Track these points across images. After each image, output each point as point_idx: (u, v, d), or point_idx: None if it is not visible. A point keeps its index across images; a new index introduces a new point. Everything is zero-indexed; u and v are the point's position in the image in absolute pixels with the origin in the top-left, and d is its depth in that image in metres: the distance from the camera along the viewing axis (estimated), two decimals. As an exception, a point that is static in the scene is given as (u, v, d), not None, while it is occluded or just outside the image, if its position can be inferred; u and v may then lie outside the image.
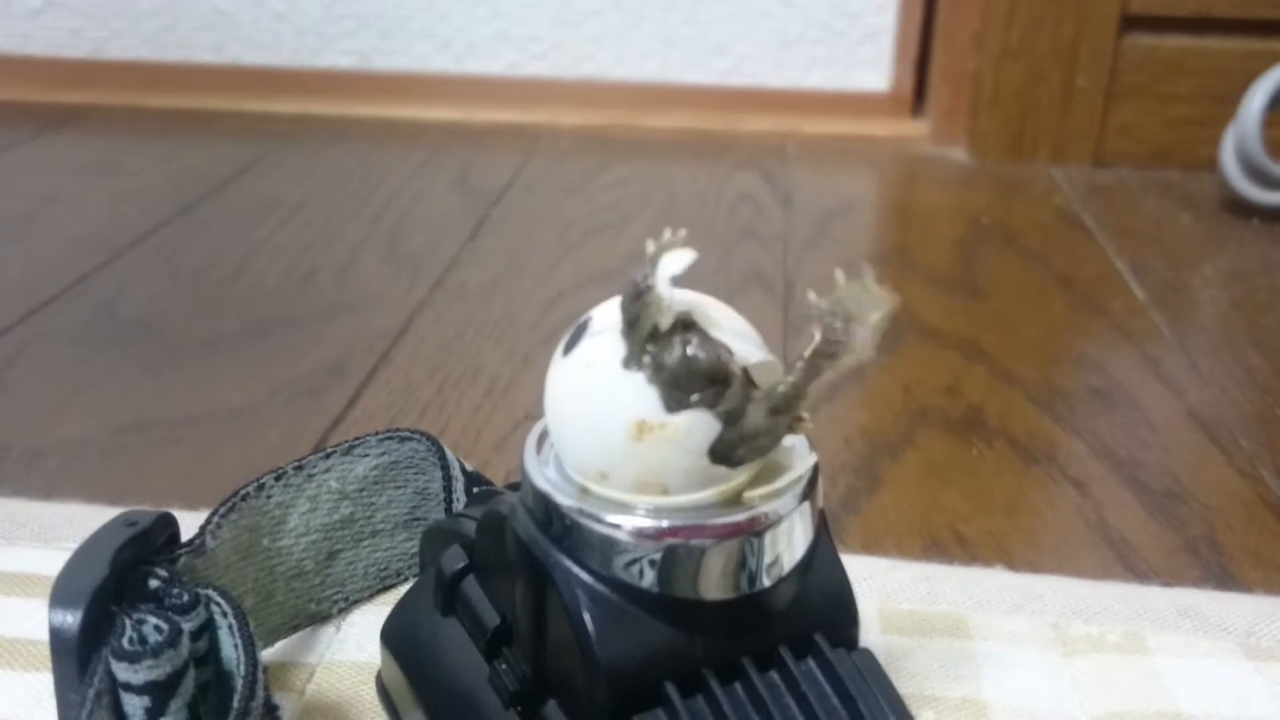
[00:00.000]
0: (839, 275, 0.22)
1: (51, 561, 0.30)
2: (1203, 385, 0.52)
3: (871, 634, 0.33)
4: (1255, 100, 0.71)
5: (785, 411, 0.22)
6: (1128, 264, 0.66)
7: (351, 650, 0.32)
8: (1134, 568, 0.39)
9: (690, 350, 0.21)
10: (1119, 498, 0.44)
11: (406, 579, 0.34)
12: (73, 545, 0.26)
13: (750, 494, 0.23)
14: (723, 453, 0.22)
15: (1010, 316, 0.60)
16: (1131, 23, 0.80)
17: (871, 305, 0.22)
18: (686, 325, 0.21)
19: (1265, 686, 0.31)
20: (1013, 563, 0.39)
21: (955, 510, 0.43)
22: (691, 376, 0.21)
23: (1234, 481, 0.45)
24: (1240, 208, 0.74)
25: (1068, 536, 0.41)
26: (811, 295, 0.22)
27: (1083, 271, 0.66)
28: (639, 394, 0.21)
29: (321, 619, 0.33)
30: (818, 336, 0.22)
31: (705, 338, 0.21)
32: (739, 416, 0.21)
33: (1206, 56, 0.80)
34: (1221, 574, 0.39)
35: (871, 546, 0.40)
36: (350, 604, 0.34)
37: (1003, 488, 0.44)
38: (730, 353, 0.21)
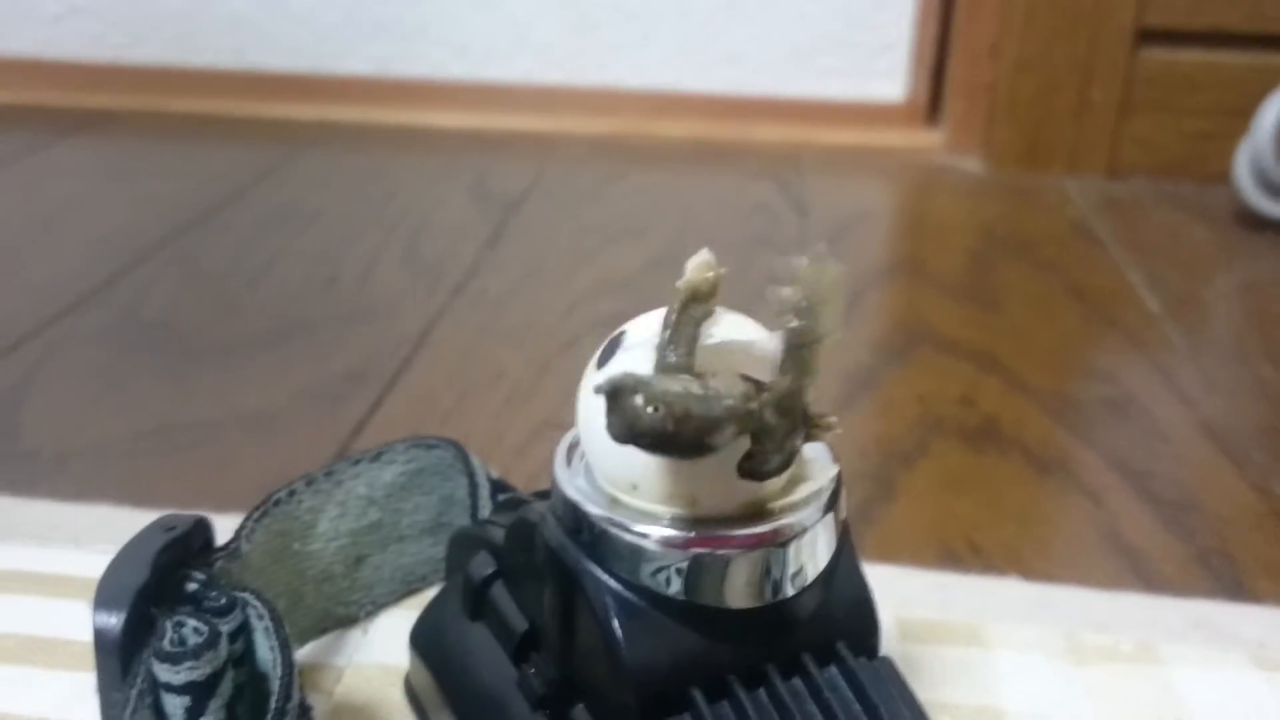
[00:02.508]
0: (802, 261, 0.22)
1: (86, 563, 0.31)
2: (1215, 397, 0.53)
3: (889, 642, 0.34)
4: (1270, 114, 0.72)
5: (792, 411, 0.22)
6: (1141, 276, 0.67)
7: (379, 653, 0.33)
8: (1146, 578, 0.40)
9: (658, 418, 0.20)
10: (1132, 509, 0.44)
11: (432, 584, 0.35)
12: (105, 547, 0.26)
13: (775, 505, 0.23)
14: (750, 468, 0.22)
15: (1024, 327, 0.60)
16: (1146, 36, 0.80)
17: (830, 285, 0.22)
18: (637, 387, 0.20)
19: (1275, 696, 0.32)
20: (1027, 572, 0.40)
21: (970, 520, 0.43)
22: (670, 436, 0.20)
23: (1246, 493, 0.45)
24: (1254, 221, 0.75)
25: (1081, 547, 0.42)
26: (780, 290, 0.22)
27: (1096, 283, 0.66)
28: (669, 407, 0.22)
29: (349, 622, 0.34)
30: (785, 330, 0.22)
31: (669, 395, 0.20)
32: (758, 427, 0.22)
33: (1221, 70, 0.80)
34: (1233, 585, 0.39)
35: (887, 555, 0.41)
36: (377, 607, 0.35)
37: (1016, 498, 0.45)
38: (712, 393, 0.21)
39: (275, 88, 0.96)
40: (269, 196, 0.78)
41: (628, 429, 0.20)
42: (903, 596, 0.37)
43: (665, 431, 0.20)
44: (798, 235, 0.72)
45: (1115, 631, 0.35)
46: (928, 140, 0.90)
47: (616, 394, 0.20)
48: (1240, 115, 0.75)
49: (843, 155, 0.89)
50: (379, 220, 0.74)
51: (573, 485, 0.24)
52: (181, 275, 0.65)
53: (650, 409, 0.20)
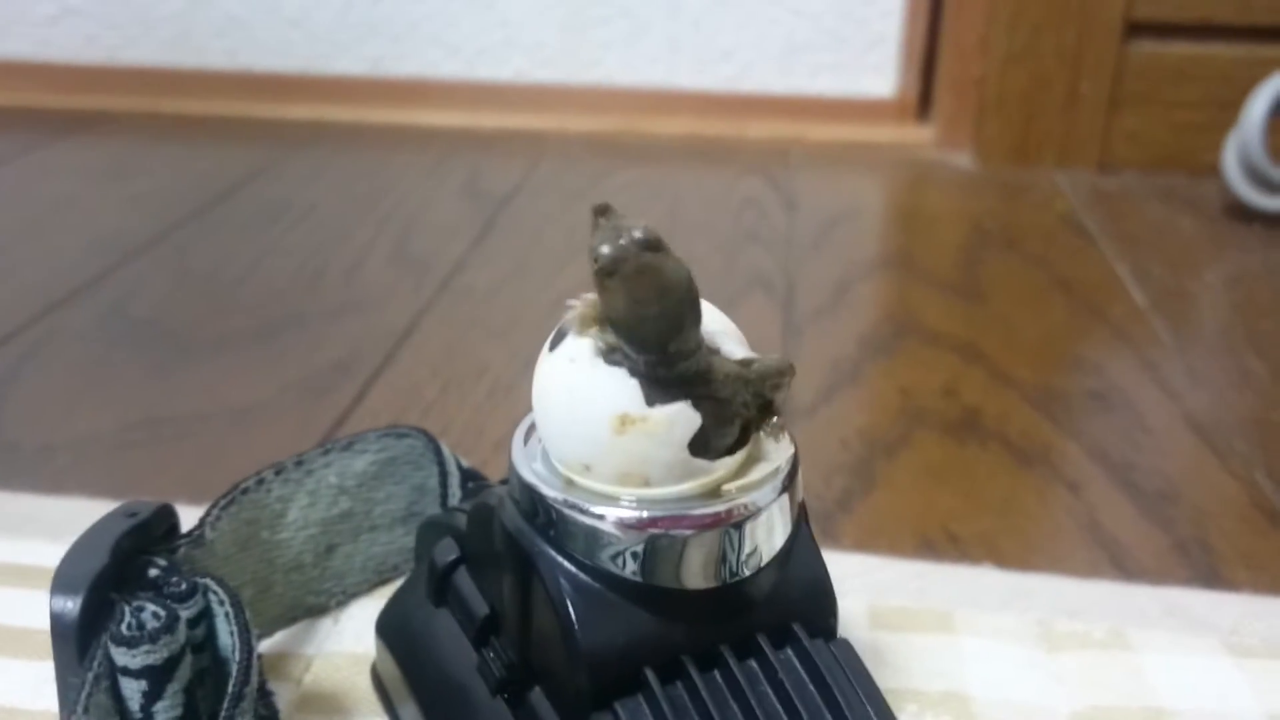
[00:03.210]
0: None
1: (59, 555, 0.31)
2: (1199, 389, 0.53)
3: (860, 629, 0.34)
4: (1257, 106, 0.71)
5: (752, 388, 0.22)
6: (1129, 269, 0.67)
7: (349, 642, 0.33)
8: (1123, 567, 0.40)
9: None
10: (1112, 499, 0.44)
11: (404, 572, 0.35)
12: (79, 539, 0.27)
13: (730, 486, 0.23)
14: (702, 446, 0.22)
15: (1010, 320, 0.60)
16: (1136, 29, 0.80)
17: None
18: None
19: (1246, 682, 0.32)
20: (1003, 562, 0.39)
21: (949, 510, 0.43)
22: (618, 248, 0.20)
23: (1227, 484, 0.45)
24: (1242, 213, 0.75)
25: (1059, 536, 0.42)
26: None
27: (1084, 276, 0.66)
28: (621, 388, 0.22)
29: (320, 611, 0.34)
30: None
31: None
32: (707, 372, 0.22)
33: (1210, 63, 0.80)
34: (1210, 574, 0.39)
35: (865, 545, 0.41)
36: (348, 597, 0.35)
37: (997, 489, 0.45)
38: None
39: (268, 88, 0.97)
40: (260, 195, 0.79)
41: (614, 235, 0.20)
42: (877, 585, 0.37)
43: (652, 241, 0.20)
44: (786, 231, 0.72)
45: (1088, 619, 0.35)
46: (918, 135, 0.90)
47: (608, 210, 0.20)
48: (1230, 107, 0.75)
49: (833, 151, 0.89)
50: (369, 218, 0.74)
51: (529, 468, 0.24)
52: (171, 272, 0.66)
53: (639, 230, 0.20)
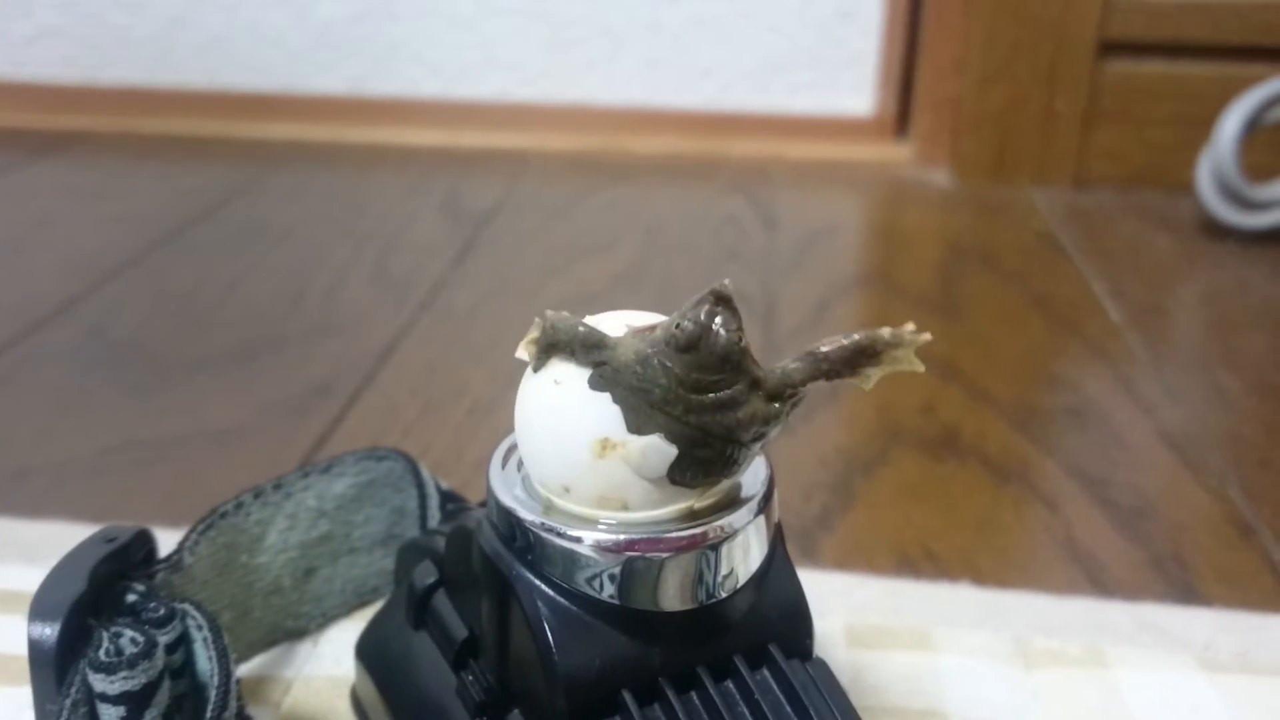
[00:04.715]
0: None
1: (37, 579, 0.31)
2: (1174, 405, 0.53)
3: (837, 648, 0.34)
4: (1230, 124, 0.72)
5: (779, 398, 0.22)
6: (1104, 286, 0.67)
7: (328, 665, 0.33)
8: (1100, 583, 0.40)
9: (718, 324, 0.21)
10: (1088, 515, 0.44)
11: (383, 595, 0.35)
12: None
13: (706, 505, 0.23)
14: (680, 475, 0.22)
15: (987, 337, 0.61)
16: (1109, 48, 0.81)
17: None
18: (721, 299, 0.21)
19: (1219, 698, 0.32)
20: (980, 579, 0.40)
21: (927, 528, 0.43)
22: (706, 354, 0.21)
23: (1202, 499, 0.46)
24: (1216, 230, 0.76)
25: (1036, 553, 0.42)
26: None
27: (1060, 293, 0.67)
28: (603, 412, 0.22)
29: (299, 634, 0.34)
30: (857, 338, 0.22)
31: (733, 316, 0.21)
32: (738, 405, 0.22)
33: (1183, 81, 0.81)
34: (1185, 589, 0.40)
35: (843, 563, 0.41)
36: (328, 620, 0.35)
37: (974, 506, 0.45)
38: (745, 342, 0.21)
39: (248, 108, 0.97)
40: (239, 215, 0.79)
41: (707, 321, 0.21)
42: (855, 604, 0.37)
43: (733, 350, 0.21)
44: (766, 248, 0.73)
45: (1064, 636, 0.35)
46: (896, 154, 0.91)
47: (729, 300, 0.21)
48: (1202, 125, 0.76)
49: (813, 169, 0.90)
50: (348, 237, 0.74)
51: (507, 490, 0.24)
52: (149, 293, 0.65)
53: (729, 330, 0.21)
